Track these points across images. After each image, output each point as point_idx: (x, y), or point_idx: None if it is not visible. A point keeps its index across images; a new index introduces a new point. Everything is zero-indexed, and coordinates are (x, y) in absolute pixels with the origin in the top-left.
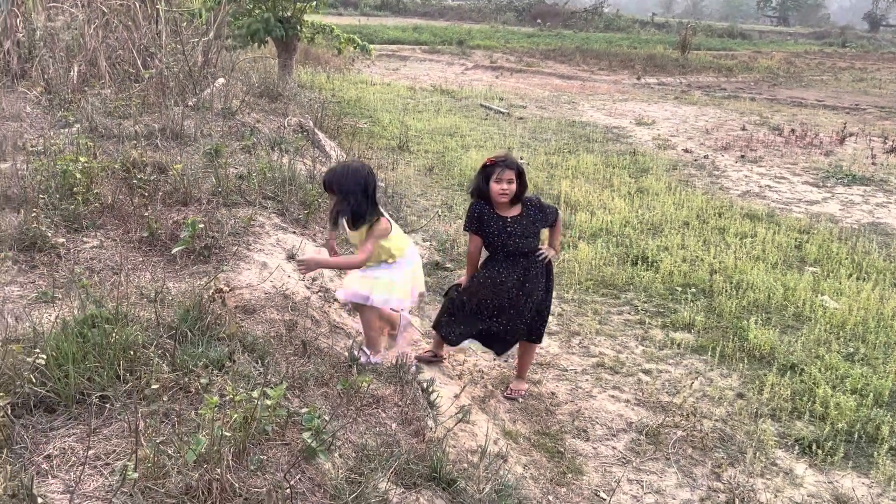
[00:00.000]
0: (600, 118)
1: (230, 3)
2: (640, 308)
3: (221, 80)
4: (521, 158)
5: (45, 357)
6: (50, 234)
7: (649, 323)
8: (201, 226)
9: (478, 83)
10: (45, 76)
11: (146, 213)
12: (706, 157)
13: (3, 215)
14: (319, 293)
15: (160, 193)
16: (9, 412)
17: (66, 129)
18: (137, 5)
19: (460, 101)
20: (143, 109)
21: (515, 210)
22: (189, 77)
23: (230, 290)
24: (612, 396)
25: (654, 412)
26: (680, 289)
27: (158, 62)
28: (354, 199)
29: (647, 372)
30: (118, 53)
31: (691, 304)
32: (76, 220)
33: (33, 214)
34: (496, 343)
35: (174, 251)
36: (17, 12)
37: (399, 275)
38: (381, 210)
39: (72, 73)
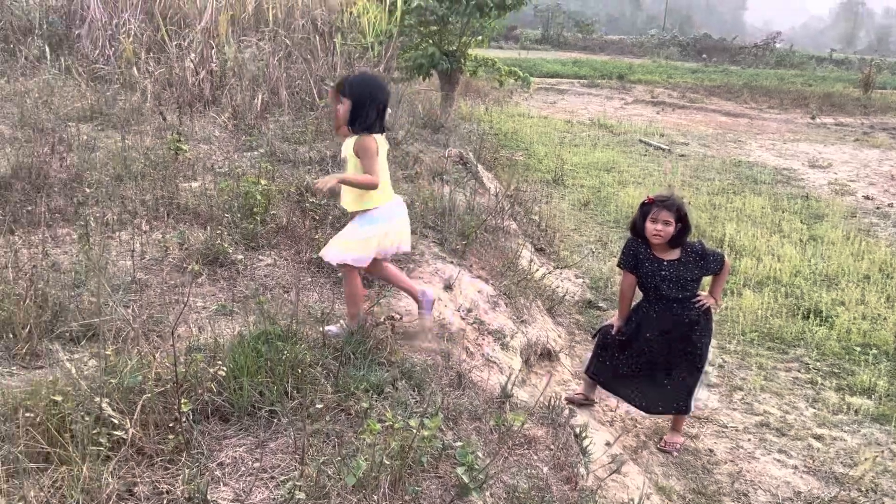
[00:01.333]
0: (769, 158)
1: (400, 37)
2: (811, 366)
3: (388, 111)
4: (683, 198)
5: (225, 369)
6: (231, 251)
7: (822, 384)
8: None
9: (637, 118)
10: (233, 103)
11: (317, 236)
12: (891, 205)
13: (192, 230)
14: (474, 324)
15: (330, 217)
16: (190, 417)
17: (249, 153)
18: (317, 39)
19: (619, 136)
20: (316, 136)
21: (674, 253)
22: None
23: (400, 319)
24: (778, 461)
25: (827, 483)
26: (859, 349)
27: None
28: (364, 106)
29: (818, 437)
30: (297, 83)
31: (872, 367)
32: (254, 239)
33: (218, 231)
34: (647, 397)
35: (340, 274)
36: (212, 44)
37: (376, 229)
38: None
39: (256, 100)
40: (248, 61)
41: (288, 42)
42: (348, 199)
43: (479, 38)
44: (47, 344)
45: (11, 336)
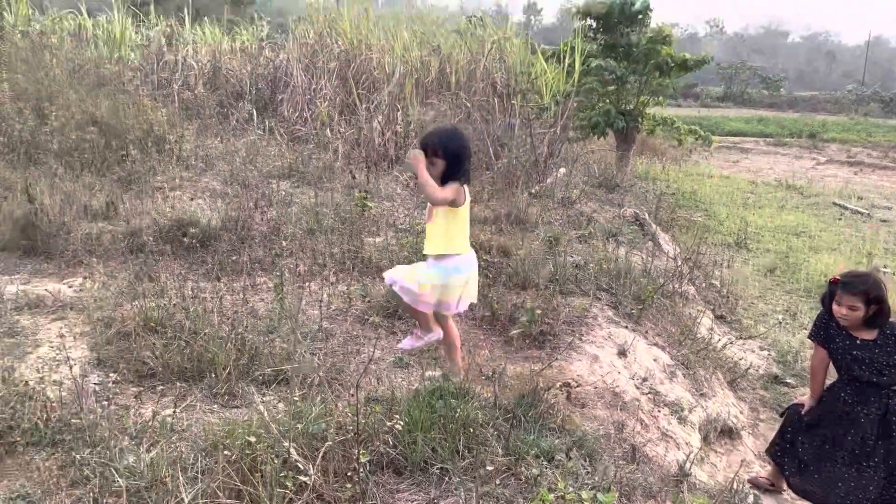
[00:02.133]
0: None
1: (577, 96)
2: None
3: (563, 170)
4: (885, 268)
5: (402, 423)
6: None
7: None
8: (539, 312)
9: (831, 179)
10: None
11: (489, 294)
12: None
13: (374, 284)
14: (649, 395)
15: (503, 276)
16: (367, 468)
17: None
18: (495, 100)
19: (809, 198)
20: (492, 195)
21: (871, 333)
22: (535, 166)
23: (577, 386)
24: None
25: None
26: None
27: (509, 152)
28: (460, 161)
29: None
30: (475, 143)
31: None
32: None
33: None
34: (835, 492)
35: (512, 333)
36: (397, 106)
37: (451, 278)
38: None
39: None
40: (430, 122)
41: (468, 104)
42: (435, 241)
43: (659, 97)
44: (243, 385)
45: (214, 376)
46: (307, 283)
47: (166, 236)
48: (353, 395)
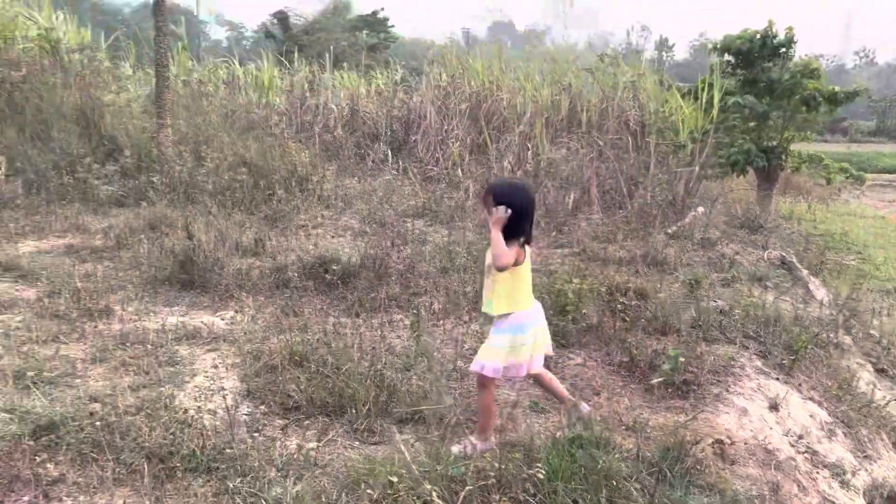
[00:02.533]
0: None
1: (715, 133)
2: None
3: (701, 209)
4: None
5: (544, 472)
6: None
7: None
8: (682, 360)
9: None
10: (545, 202)
11: (627, 339)
12: None
13: None
14: (806, 454)
15: (641, 320)
16: None
17: (560, 250)
18: (628, 139)
19: None
20: (627, 235)
21: None
22: (671, 206)
23: (731, 443)
24: None
25: None
26: None
27: (643, 191)
28: (526, 216)
29: None
30: (607, 182)
31: None
32: (564, 337)
33: None
34: None
35: (653, 382)
36: (528, 146)
37: (518, 338)
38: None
39: (567, 199)
40: (561, 161)
41: (600, 143)
42: (502, 300)
43: (805, 132)
44: (382, 422)
45: (354, 411)
46: (441, 322)
47: (309, 272)
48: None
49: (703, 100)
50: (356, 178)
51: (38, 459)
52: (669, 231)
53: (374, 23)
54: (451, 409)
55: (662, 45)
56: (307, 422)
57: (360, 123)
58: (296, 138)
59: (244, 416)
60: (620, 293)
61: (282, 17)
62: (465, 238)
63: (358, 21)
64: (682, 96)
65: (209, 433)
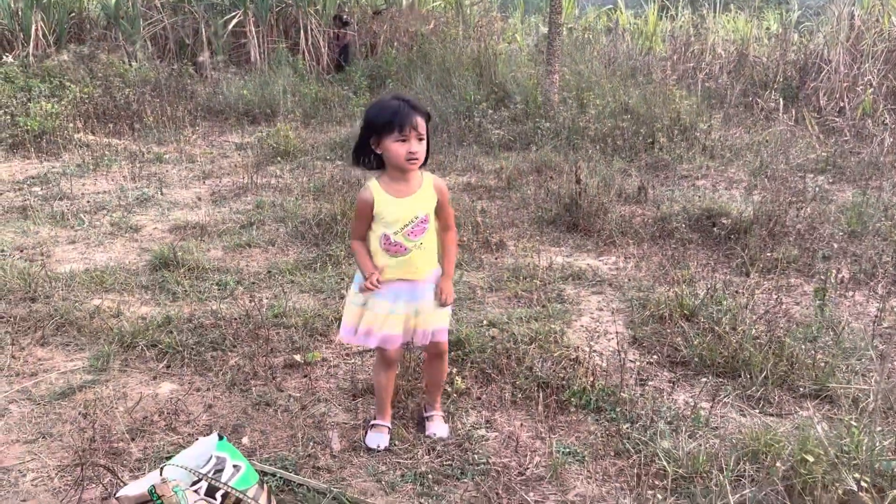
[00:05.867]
0: None
1: None
2: None
3: None
4: None
5: None
6: None
7: None
8: None
9: None
10: None
11: None
12: None
13: None
14: None
15: None
16: None
17: None
18: None
19: None
20: None
21: None
22: None
23: None
24: None
25: None
26: None
27: None
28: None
29: None
30: None
31: None
32: None
33: None
34: None
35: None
36: None
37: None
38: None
39: None
40: None
41: None
42: (428, 261)
43: None
44: (780, 393)
45: (749, 377)
46: (850, 293)
47: (695, 224)
48: None
49: None
50: (743, 129)
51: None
52: None
53: None
54: (868, 392)
55: None
56: (696, 379)
57: (748, 69)
58: (679, 85)
59: (631, 363)
60: None
61: None
62: (882, 199)
63: None
64: None
65: (599, 373)
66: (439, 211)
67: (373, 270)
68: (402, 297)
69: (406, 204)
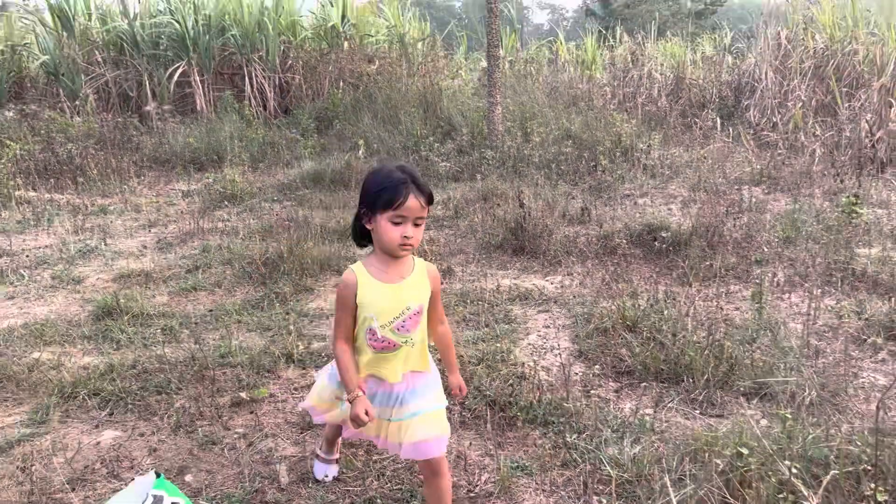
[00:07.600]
0: None
1: None
2: None
3: None
4: None
5: None
6: None
7: None
8: None
9: None
10: None
11: None
12: None
13: (870, 299)
14: None
15: None
16: None
17: None
18: None
19: None
20: None
21: None
22: None
23: None
24: None
25: None
26: None
27: None
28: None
29: None
30: None
31: None
32: None
33: None
34: None
35: None
36: (892, 102)
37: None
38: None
39: None
40: None
41: None
42: (416, 362)
43: None
44: (722, 394)
45: (691, 381)
46: (786, 295)
47: (637, 240)
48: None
49: None
50: (682, 147)
51: None
52: None
53: None
54: (802, 388)
55: None
56: (640, 387)
57: (685, 92)
58: (619, 110)
59: (577, 376)
60: None
61: None
62: (812, 206)
63: None
64: None
65: (545, 388)
66: (432, 303)
67: (355, 390)
68: (377, 399)
69: (396, 291)
